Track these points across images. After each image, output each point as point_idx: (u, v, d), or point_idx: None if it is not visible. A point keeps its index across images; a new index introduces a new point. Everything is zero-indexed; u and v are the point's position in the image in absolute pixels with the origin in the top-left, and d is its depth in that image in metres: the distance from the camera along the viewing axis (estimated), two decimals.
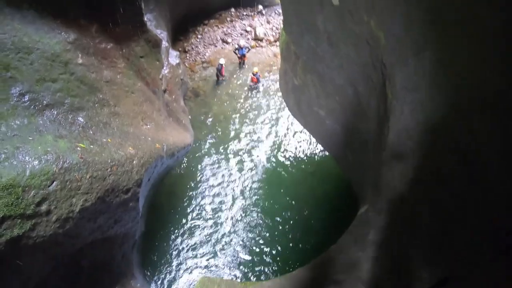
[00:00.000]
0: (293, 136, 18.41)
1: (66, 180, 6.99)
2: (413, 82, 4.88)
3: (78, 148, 7.78)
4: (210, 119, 19.46)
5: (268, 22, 27.05)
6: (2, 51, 7.73)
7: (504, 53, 3.47)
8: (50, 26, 9.39)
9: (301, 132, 18.23)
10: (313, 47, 8.92)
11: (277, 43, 24.94)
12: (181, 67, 17.24)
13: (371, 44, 6.40)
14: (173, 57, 16.63)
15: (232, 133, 18.59)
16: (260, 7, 28.33)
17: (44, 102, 8.08)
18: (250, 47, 24.21)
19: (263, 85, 21.86)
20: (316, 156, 17.36)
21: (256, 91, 21.53)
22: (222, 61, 21.91)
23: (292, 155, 17.41)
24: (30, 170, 6.42)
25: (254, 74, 21.28)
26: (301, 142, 18.04)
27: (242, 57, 23.06)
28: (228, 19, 27.38)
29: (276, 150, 17.61)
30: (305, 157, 17.30)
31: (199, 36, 25.51)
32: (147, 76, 12.08)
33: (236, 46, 23.35)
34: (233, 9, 28.07)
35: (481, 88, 3.81)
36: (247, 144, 17.96)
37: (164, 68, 13.95)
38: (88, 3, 10.49)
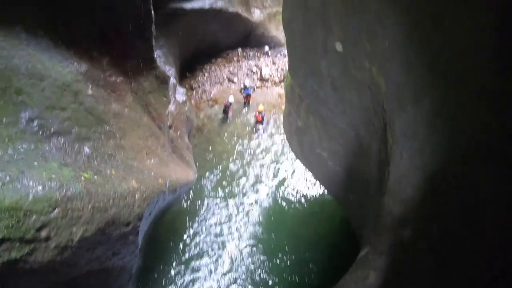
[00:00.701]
0: (295, 176, 18.44)
1: (68, 209, 7.01)
2: (412, 129, 5.03)
3: (82, 178, 7.82)
4: (213, 157, 19.55)
5: (274, 63, 27.53)
6: (15, 76, 7.89)
7: (498, 105, 3.65)
8: (63, 55, 9.65)
9: (303, 172, 18.23)
10: (317, 91, 9.15)
11: (282, 84, 25.28)
12: (187, 104, 17.46)
13: (372, 90, 6.61)
14: (180, 94, 16.88)
15: (235, 172, 18.64)
16: (267, 48, 28.90)
17: (52, 129, 8.20)
18: (255, 87, 24.58)
19: (267, 123, 22.10)
20: (317, 197, 17.34)
21: (260, 130, 21.73)
22: (231, 99, 22.26)
23: (294, 195, 17.39)
24: (33, 195, 6.46)
25: (259, 113, 21.50)
26: (303, 182, 18.05)
27: (247, 97, 23.37)
28: (235, 58, 27.92)
29: (278, 190, 17.61)
30: (307, 198, 17.28)
31: (206, 74, 25.93)
32: (153, 111, 12.26)
33: (242, 86, 23.70)
34: (240, 49, 28.64)
35: (476, 136, 3.97)
36: (249, 183, 17.97)
37: (171, 104, 14.15)
38: (102, 36, 10.78)
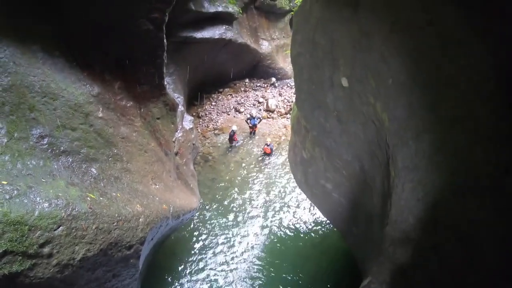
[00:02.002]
0: (300, 208, 18.40)
1: (72, 227, 7.08)
2: (413, 162, 5.20)
3: (88, 198, 7.91)
4: (218, 185, 19.60)
5: (280, 95, 27.97)
6: (29, 93, 8.13)
7: (494, 142, 3.91)
8: (77, 77, 9.94)
9: (307, 205, 18.24)
10: (323, 123, 9.33)
11: (288, 115, 25.74)
12: (194, 132, 17.70)
13: (376, 125, 6.81)
14: (187, 121, 17.15)
15: (238, 201, 18.63)
16: (273, 79, 29.44)
17: (62, 148, 8.38)
18: (261, 118, 24.82)
19: (273, 154, 22.25)
20: (321, 229, 17.24)
21: (265, 161, 21.88)
22: (234, 127, 22.62)
23: (298, 226, 17.30)
24: (39, 211, 6.56)
25: (268, 145, 21.74)
26: (306, 214, 17.99)
27: (253, 127, 23.69)
28: (242, 89, 28.41)
29: (281, 221, 17.53)
30: (310, 229, 17.17)
31: (213, 103, 26.31)
32: (161, 137, 12.43)
33: (248, 116, 23.99)
34: (247, 80, 29.17)
35: (473, 170, 4.14)
36: (252, 213, 17.92)
37: (178, 131, 14.37)
38: (115, 60, 11.05)
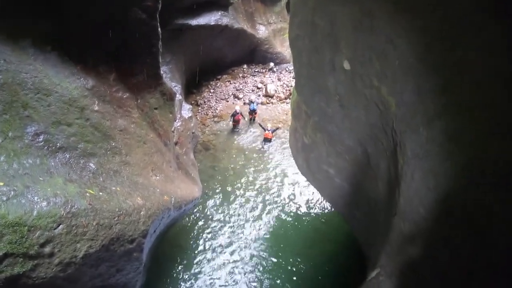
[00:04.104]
0: (301, 193, 18.32)
1: (73, 225, 6.96)
2: (424, 150, 4.96)
3: (87, 194, 7.79)
4: (219, 173, 19.47)
5: (279, 79, 27.72)
6: (22, 90, 7.96)
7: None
8: (70, 71, 9.73)
9: (308, 189, 18.15)
10: (324, 108, 9.09)
11: (288, 100, 25.56)
12: (193, 121, 17.48)
13: (381, 109, 6.60)
14: (186, 110, 16.92)
15: (240, 188, 18.53)
16: (272, 64, 29.10)
17: (58, 144, 8.23)
18: (260, 103, 24.82)
19: (274, 139, 22.03)
20: (323, 212, 17.21)
21: (266, 146, 21.72)
22: (237, 108, 22.56)
23: (300, 212, 17.22)
24: (37, 210, 6.42)
25: (268, 130, 21.49)
26: (308, 198, 17.93)
27: (252, 113, 23.46)
28: (240, 75, 28.13)
29: (283, 206, 17.44)
30: (312, 214, 17.12)
31: (211, 90, 26.09)
32: (159, 128, 12.25)
33: (248, 101, 23.80)
34: (245, 65, 28.87)
35: (489, 161, 3.93)
36: (254, 200, 17.82)
37: (177, 121, 14.17)
38: (109, 52, 10.83)
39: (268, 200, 17.83)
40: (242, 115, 22.86)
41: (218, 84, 26.85)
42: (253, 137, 22.53)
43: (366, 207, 9.50)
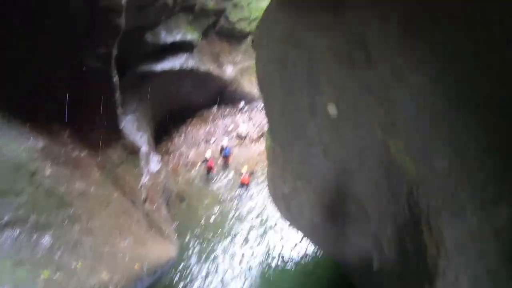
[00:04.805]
0: (286, 236, 17.04)
1: None
2: (476, 247, 3.40)
3: (41, 277, 6.65)
4: (197, 225, 17.95)
5: (251, 119, 27.00)
6: None
7: None
8: (18, 131, 8.78)
9: (293, 232, 16.84)
10: (305, 157, 7.85)
11: (261, 139, 24.57)
12: (163, 173, 16.25)
13: (387, 166, 5.11)
14: (154, 162, 15.69)
15: (221, 239, 17.13)
16: (242, 103, 28.38)
17: (5, 219, 7.15)
18: (233, 146, 23.88)
19: (251, 183, 20.79)
20: (313, 256, 16.01)
21: (244, 192, 20.48)
22: (208, 153, 21.46)
23: (287, 257, 16.00)
24: None
25: (244, 175, 20.37)
26: (294, 242, 16.69)
27: (226, 157, 22.39)
28: (211, 117, 27.12)
29: (269, 254, 16.18)
30: (301, 258, 15.93)
31: (182, 136, 25.00)
32: (124, 185, 11.14)
33: (220, 147, 22.76)
34: (215, 108, 27.96)
35: None
36: (238, 250, 16.50)
37: (144, 175, 12.99)
38: (62, 105, 9.74)
39: (252, 248, 16.53)
40: (214, 161, 21.78)
41: (189, 129, 25.76)
42: (229, 183, 21.30)
43: (358, 260, 8.35)
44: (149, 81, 21.56)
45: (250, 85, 29.56)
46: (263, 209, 19.06)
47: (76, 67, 9.86)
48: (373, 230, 6.52)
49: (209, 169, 21.32)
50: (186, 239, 16.77)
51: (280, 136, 8.90)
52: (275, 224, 17.81)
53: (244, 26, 29.08)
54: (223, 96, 28.50)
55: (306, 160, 7.84)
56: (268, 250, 16.38)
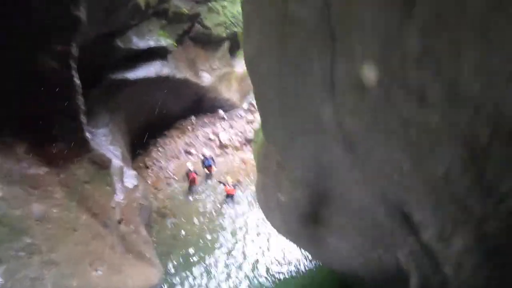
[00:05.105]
0: (281, 250, 15.74)
1: None
2: None
3: None
4: (181, 244, 16.53)
5: (232, 127, 25.75)
6: None
7: None
8: None
9: (287, 244, 15.39)
10: (314, 156, 6.23)
11: (244, 148, 23.58)
12: (140, 189, 14.53)
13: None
14: (129, 177, 14.01)
15: (209, 258, 15.69)
16: (221, 112, 27.02)
17: None
18: (215, 155, 22.53)
19: (236, 194, 19.42)
20: (309, 267, 14.78)
21: (230, 203, 19.08)
22: (189, 165, 19.93)
23: (282, 271, 14.73)
24: None
25: (229, 185, 18.97)
26: (290, 255, 15.43)
27: (208, 168, 20.89)
28: (189, 128, 25.63)
29: (262, 269, 14.90)
30: (297, 271, 14.68)
31: (160, 149, 23.52)
32: (94, 206, 9.58)
33: (202, 158, 21.31)
34: (193, 117, 26.49)
35: None
36: (228, 268, 15.12)
37: (117, 193, 11.41)
38: (17, 116, 8.23)
39: (243, 266, 15.17)
40: (196, 173, 20.24)
41: (167, 141, 24.24)
42: (214, 194, 19.83)
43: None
44: (123, 90, 20.06)
45: (229, 92, 28.31)
46: (252, 221, 17.73)
47: (31, 68, 8.31)
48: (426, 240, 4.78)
49: (192, 182, 19.88)
50: (170, 262, 15.28)
51: (276, 133, 7.34)
52: (268, 236, 16.54)
53: (221, 31, 27.76)
54: (201, 104, 27.03)
55: (316, 161, 6.24)
56: (264, 267, 15.04)
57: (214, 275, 14.76)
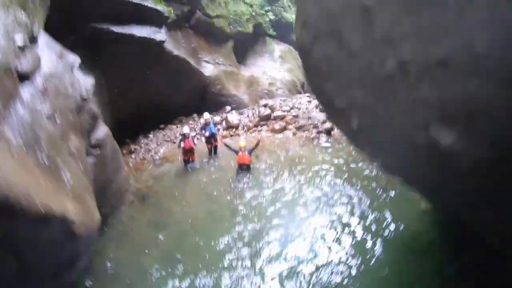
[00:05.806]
0: (318, 246, 9.77)
1: None
2: None
3: None
4: (170, 231, 11.17)
5: (241, 114, 22.13)
6: None
7: None
8: None
9: (328, 235, 10.11)
10: None
11: (259, 128, 19.28)
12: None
13: None
14: None
15: (206, 253, 10.09)
16: (228, 108, 23.33)
17: None
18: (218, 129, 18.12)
19: (254, 163, 14.19)
20: (370, 265, 8.74)
21: (245, 179, 13.42)
22: (186, 129, 14.71)
23: (335, 277, 8.63)
24: None
25: (242, 151, 13.61)
26: (346, 250, 9.43)
27: (211, 139, 15.38)
28: (191, 122, 21.52)
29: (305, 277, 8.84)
30: (360, 274, 8.55)
31: (151, 136, 19.27)
32: None
33: (201, 124, 17.25)
34: (195, 115, 22.49)
35: None
36: (237, 271, 9.35)
37: None
38: None
39: (259, 264, 9.53)
40: (194, 143, 14.75)
41: (162, 132, 20.07)
42: (219, 169, 14.53)
43: None
44: (106, 49, 16.36)
45: (236, 90, 24.66)
46: (278, 204, 11.99)
47: None
48: None
49: (187, 156, 14.75)
50: (153, 252, 10.45)
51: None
52: (293, 229, 10.76)
53: (223, 24, 25.55)
54: (206, 100, 23.42)
55: None
56: (300, 272, 9.39)
57: (216, 271, 9.46)
